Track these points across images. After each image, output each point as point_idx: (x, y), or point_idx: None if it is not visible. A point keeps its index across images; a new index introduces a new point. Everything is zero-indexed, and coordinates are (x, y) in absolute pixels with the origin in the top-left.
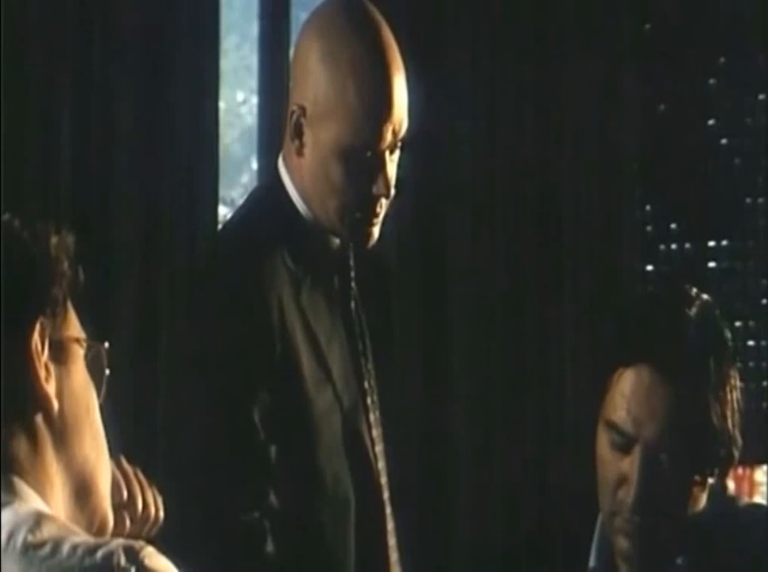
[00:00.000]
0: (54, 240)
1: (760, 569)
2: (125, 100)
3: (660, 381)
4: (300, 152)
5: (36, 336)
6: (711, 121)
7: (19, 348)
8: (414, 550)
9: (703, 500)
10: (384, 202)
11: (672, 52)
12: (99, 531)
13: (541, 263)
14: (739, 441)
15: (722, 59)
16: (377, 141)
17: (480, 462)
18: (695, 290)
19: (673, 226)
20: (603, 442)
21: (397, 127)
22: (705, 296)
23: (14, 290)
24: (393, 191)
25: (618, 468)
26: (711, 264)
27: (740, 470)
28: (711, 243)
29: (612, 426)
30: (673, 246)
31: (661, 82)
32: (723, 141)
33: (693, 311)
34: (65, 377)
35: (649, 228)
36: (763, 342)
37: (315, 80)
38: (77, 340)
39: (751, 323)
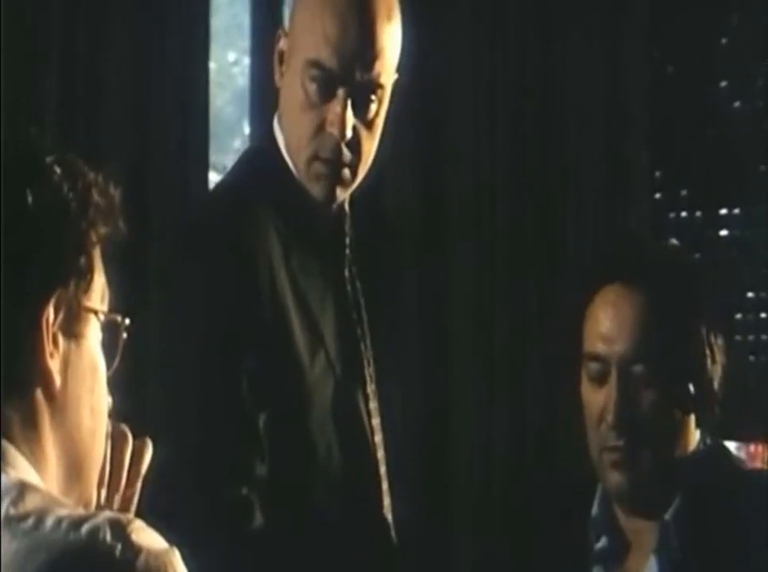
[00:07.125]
0: (95, 198)
1: (757, 530)
2: (113, 60)
3: (629, 293)
4: (281, 82)
5: (50, 308)
6: (722, 84)
7: (28, 320)
8: (411, 526)
9: (690, 444)
10: (347, 155)
11: (682, 10)
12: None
13: (545, 229)
14: (718, 396)
15: (734, 18)
16: (341, 69)
17: (481, 425)
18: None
19: (683, 193)
20: (584, 380)
21: (366, 66)
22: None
23: (35, 260)
24: (347, 135)
25: (598, 401)
26: (723, 233)
27: (753, 448)
28: (723, 211)
29: (587, 355)
30: (683, 214)
31: (669, 41)
32: (736, 104)
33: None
34: (73, 353)
35: (658, 195)
36: None
37: (300, 15)
38: (95, 312)
39: (763, 294)
